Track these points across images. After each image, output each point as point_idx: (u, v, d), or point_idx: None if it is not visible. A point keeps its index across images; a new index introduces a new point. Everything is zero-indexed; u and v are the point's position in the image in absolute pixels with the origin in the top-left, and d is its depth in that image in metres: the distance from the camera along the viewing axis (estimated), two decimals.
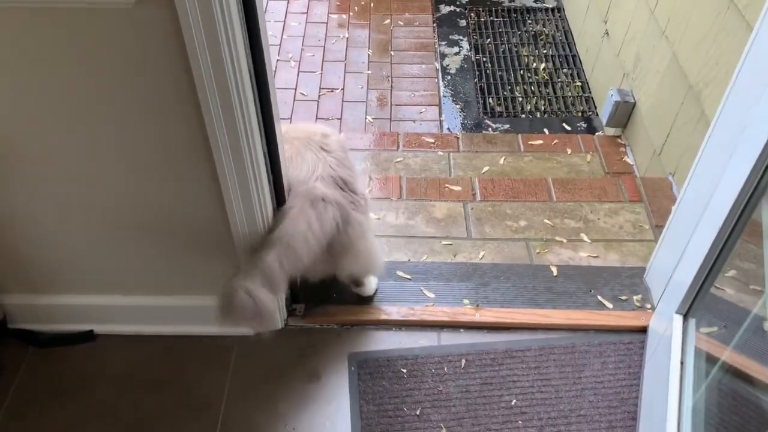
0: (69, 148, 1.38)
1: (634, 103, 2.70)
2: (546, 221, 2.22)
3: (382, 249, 2.12)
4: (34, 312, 1.76)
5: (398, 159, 2.71)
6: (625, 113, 2.75)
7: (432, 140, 2.81)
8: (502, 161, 2.70)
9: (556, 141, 2.81)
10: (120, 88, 1.27)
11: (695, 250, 1.50)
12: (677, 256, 1.71)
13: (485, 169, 2.66)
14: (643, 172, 2.57)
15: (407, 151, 2.76)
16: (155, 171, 1.42)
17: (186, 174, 1.42)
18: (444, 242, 2.15)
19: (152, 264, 1.65)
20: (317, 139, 1.66)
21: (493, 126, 3.20)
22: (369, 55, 3.62)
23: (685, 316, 1.53)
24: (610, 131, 2.89)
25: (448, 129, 3.16)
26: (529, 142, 2.80)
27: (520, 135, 2.85)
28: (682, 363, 1.44)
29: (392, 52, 3.63)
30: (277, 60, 3.54)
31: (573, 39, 3.66)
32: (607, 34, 3.04)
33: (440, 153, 2.74)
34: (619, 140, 2.81)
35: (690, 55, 2.22)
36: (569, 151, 2.75)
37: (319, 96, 3.35)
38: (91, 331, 1.80)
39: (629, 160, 2.70)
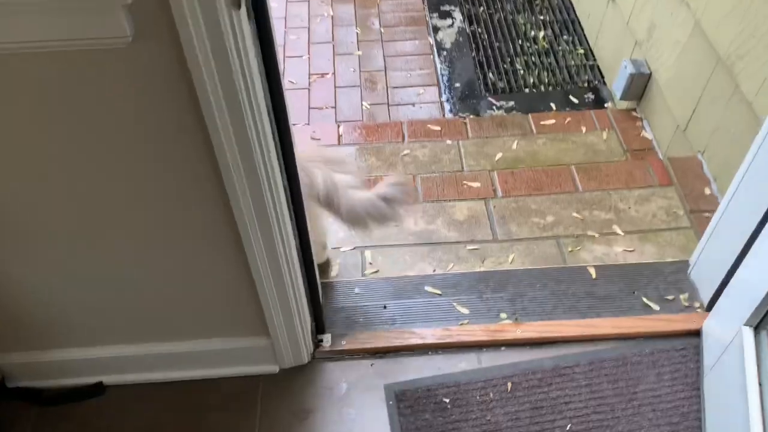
0: (66, 204, 1.20)
1: (650, 74, 2.54)
2: (574, 215, 2.08)
3: (404, 260, 1.97)
4: (36, 368, 1.60)
5: (405, 152, 2.53)
6: (640, 85, 2.59)
7: (438, 128, 2.64)
8: (514, 146, 2.54)
9: (569, 119, 2.65)
10: (119, 137, 1.08)
11: None
12: (733, 253, 1.58)
13: (498, 156, 2.50)
14: (665, 148, 2.43)
15: (413, 142, 2.58)
16: (166, 228, 1.25)
17: (202, 228, 1.25)
18: (469, 247, 2.00)
19: (164, 312, 1.49)
20: None
21: (497, 104, 3.03)
22: (357, 33, 3.40)
23: (757, 329, 1.40)
24: (623, 104, 2.73)
25: (450, 111, 2.98)
26: (541, 123, 2.64)
27: (530, 115, 2.69)
28: (760, 384, 1.32)
29: (382, 29, 3.42)
30: None
31: (571, 2, 3.47)
32: (614, 0, 2.86)
33: (449, 142, 2.57)
34: (634, 114, 2.66)
35: (718, 25, 2.06)
36: (584, 130, 2.59)
37: (310, 83, 3.15)
38: (100, 383, 1.64)
39: (648, 135, 2.55)
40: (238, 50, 0.96)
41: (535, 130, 2.62)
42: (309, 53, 3.29)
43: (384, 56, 3.28)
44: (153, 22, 0.92)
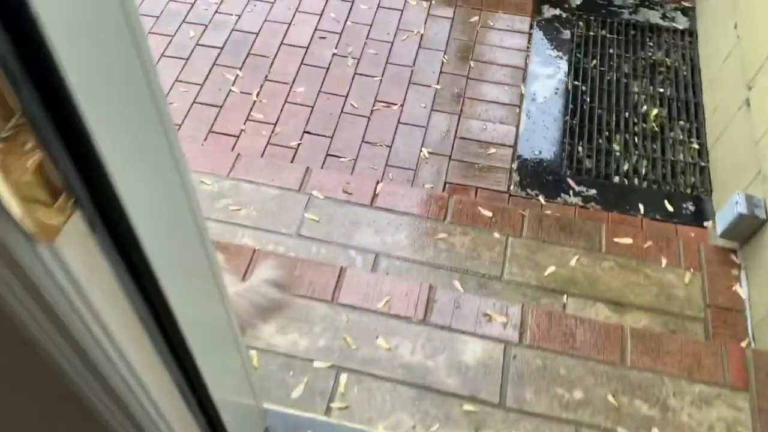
0: None
1: (765, 222, 2.03)
2: (609, 398, 1.65)
3: (383, 401, 1.62)
4: None
5: (441, 235, 2.15)
6: (749, 229, 2.08)
7: (489, 214, 2.23)
8: (573, 262, 2.11)
9: (649, 243, 2.18)
10: None
11: None
12: None
13: (550, 270, 2.08)
14: (756, 323, 1.93)
15: (456, 224, 2.19)
16: None
17: None
18: (467, 407, 1.62)
19: None
20: None
21: (576, 188, 2.57)
22: (443, 62, 2.97)
23: None
24: (722, 241, 2.22)
25: (519, 184, 2.55)
26: (615, 239, 2.18)
27: (604, 225, 2.23)
28: None
29: (471, 63, 2.98)
30: (334, 54, 2.95)
31: (701, 81, 2.90)
32: (748, 105, 2.31)
33: (496, 235, 2.16)
34: (733, 258, 2.15)
35: None
36: (664, 262, 2.12)
37: (372, 111, 2.77)
38: None
39: (741, 292, 2.05)
40: (64, 293, 0.62)
41: (604, 247, 2.17)
42: (383, 75, 2.90)
43: (464, 97, 2.85)
44: None
